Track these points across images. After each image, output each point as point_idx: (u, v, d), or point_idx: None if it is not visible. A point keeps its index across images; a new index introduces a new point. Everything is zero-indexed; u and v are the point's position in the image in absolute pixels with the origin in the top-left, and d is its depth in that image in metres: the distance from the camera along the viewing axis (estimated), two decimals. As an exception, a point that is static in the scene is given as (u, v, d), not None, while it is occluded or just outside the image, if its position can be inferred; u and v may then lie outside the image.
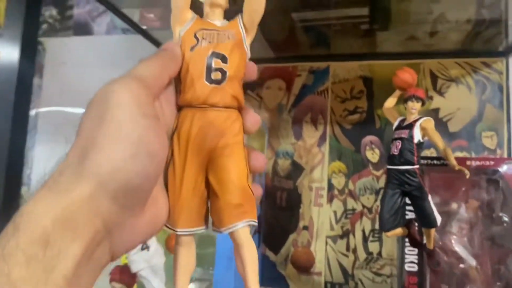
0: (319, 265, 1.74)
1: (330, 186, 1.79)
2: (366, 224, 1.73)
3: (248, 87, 1.93)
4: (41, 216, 0.27)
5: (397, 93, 1.20)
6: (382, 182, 1.73)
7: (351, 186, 1.77)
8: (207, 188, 0.46)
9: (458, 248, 1.37)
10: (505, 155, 1.55)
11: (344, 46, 1.77)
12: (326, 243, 1.76)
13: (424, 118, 1.06)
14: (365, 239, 1.72)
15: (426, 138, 1.05)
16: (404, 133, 1.03)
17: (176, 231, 0.44)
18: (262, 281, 1.75)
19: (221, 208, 0.44)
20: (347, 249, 1.75)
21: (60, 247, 0.27)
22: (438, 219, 1.05)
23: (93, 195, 0.30)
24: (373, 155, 1.75)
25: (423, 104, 1.08)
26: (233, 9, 0.49)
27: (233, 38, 0.45)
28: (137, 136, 0.32)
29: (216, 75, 0.43)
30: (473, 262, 1.40)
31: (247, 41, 0.47)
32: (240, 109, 0.46)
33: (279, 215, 1.76)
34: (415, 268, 1.24)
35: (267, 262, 1.72)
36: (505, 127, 1.61)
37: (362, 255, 1.72)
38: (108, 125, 0.32)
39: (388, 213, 1.03)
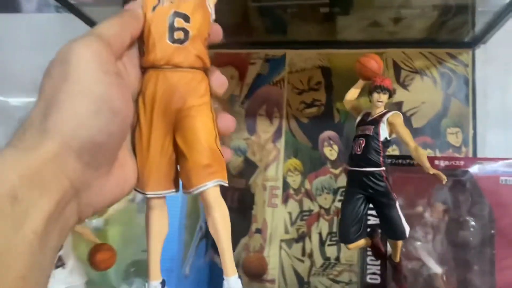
0: (273, 272, 1.59)
1: (285, 185, 1.65)
2: (323, 226, 1.59)
3: (197, 75, 1.74)
4: (7, 172, 0.28)
5: (360, 83, 1.06)
6: (340, 181, 1.60)
7: (307, 185, 1.63)
8: (175, 150, 0.46)
9: (422, 255, 1.25)
10: (470, 153, 1.46)
11: (302, 32, 1.62)
12: (280, 248, 1.63)
13: (392, 112, 0.93)
14: (322, 243, 1.59)
15: (393, 135, 0.92)
16: (368, 130, 0.89)
17: (146, 194, 0.45)
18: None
19: (190, 168, 0.44)
20: (303, 254, 1.61)
21: (28, 203, 0.28)
22: (407, 230, 0.92)
23: (58, 153, 0.31)
24: (331, 152, 1.61)
25: (390, 96, 0.94)
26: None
27: None
28: (99, 92, 0.33)
29: (178, 35, 0.44)
30: (438, 270, 1.29)
31: (211, 1, 0.47)
32: (205, 70, 0.47)
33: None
34: (377, 280, 1.11)
35: (215, 269, 1.56)
36: (470, 123, 1.52)
37: (318, 260, 1.58)
38: (70, 83, 0.32)
39: (350, 223, 0.89)
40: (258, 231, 1.55)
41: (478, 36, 1.53)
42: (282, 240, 1.63)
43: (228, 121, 0.46)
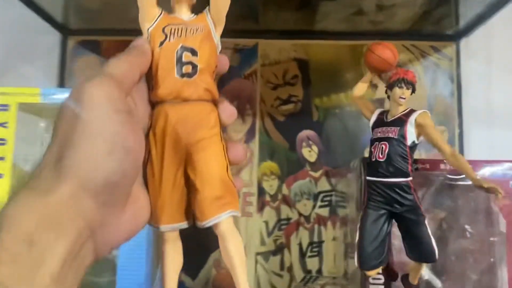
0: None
1: (261, 191, 1.48)
2: (303, 236, 1.44)
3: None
4: (23, 216, 0.29)
5: (369, 76, 0.92)
6: (321, 185, 1.46)
7: (285, 190, 1.47)
8: (186, 183, 0.47)
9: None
10: (458, 153, 1.34)
11: (276, 20, 1.45)
12: (256, 262, 1.46)
13: (419, 111, 0.79)
14: (302, 254, 1.44)
15: (421, 138, 0.78)
16: (392, 132, 0.75)
17: (160, 228, 0.46)
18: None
19: (202, 201, 0.46)
20: (281, 267, 1.45)
21: (45, 246, 0.28)
22: (436, 250, 0.78)
23: (74, 195, 0.31)
24: (310, 153, 1.46)
25: (413, 91, 0.80)
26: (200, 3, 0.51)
27: (202, 31, 0.47)
28: (112, 132, 0.33)
29: (186, 69, 0.45)
30: (438, 284, 1.19)
31: (216, 34, 0.48)
32: (214, 102, 0.48)
33: (197, 230, 1.39)
34: (381, 299, 0.96)
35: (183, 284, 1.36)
36: (456, 121, 1.43)
37: (299, 274, 1.43)
38: (83, 124, 0.33)
39: (371, 246, 0.74)
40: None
41: (461, 29, 1.45)
42: (258, 253, 1.46)
43: (238, 151, 0.47)
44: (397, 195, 0.72)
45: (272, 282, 1.44)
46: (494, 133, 1.47)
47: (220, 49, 0.50)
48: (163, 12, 0.49)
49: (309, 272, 1.43)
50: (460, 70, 1.47)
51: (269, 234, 1.46)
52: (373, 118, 0.81)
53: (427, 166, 1.01)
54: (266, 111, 1.49)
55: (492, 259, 1.18)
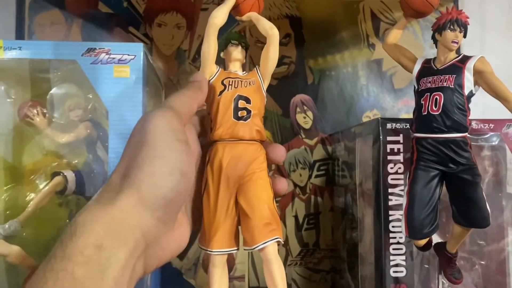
0: (241, 267, 1.31)
1: (253, 162, 1.39)
2: (299, 208, 1.35)
3: (132, 24, 1.34)
4: (93, 224, 0.33)
5: (403, 22, 0.81)
6: (317, 154, 1.36)
7: (278, 160, 1.37)
8: (237, 211, 0.55)
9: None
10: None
11: (266, -27, 1.31)
12: (249, 237, 1.36)
13: (477, 56, 0.69)
14: (298, 227, 1.35)
15: (477, 87, 0.69)
16: (447, 81, 0.65)
17: (212, 252, 0.54)
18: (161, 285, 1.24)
19: (253, 227, 0.53)
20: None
21: (110, 252, 0.32)
22: (490, 213, 0.70)
23: (135, 207, 0.35)
24: (305, 119, 1.36)
25: (465, 35, 0.70)
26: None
27: (254, 84, 0.61)
28: (172, 157, 0.39)
29: (242, 113, 0.57)
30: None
31: (264, 87, 0.63)
32: (262, 142, 0.59)
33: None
34: (403, 273, 0.90)
35: (170, 270, 1.25)
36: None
37: (295, 248, 1.34)
38: (147, 149, 0.39)
39: (423, 212, 0.65)
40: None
41: (460, -14, 1.37)
42: (251, 228, 1.35)
43: (282, 183, 0.56)
44: (453, 153, 0.63)
45: (267, 258, 1.34)
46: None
47: (266, 100, 0.63)
48: (220, 68, 0.61)
49: (305, 245, 1.34)
50: (459, 29, 1.40)
51: (263, 207, 1.35)
52: (417, 67, 0.71)
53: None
54: (256, 73, 1.37)
55: (502, 223, 1.15)
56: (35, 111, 1.07)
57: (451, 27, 0.67)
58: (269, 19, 1.36)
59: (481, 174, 0.67)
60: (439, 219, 0.72)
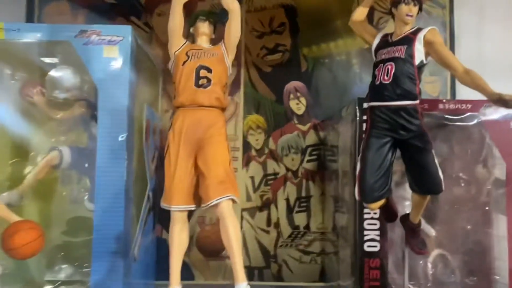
0: (233, 246, 1.36)
1: (246, 146, 1.42)
2: (290, 191, 1.39)
3: (134, 14, 1.42)
4: None
5: (368, 1, 0.84)
6: (309, 139, 1.40)
7: (271, 145, 1.40)
8: (196, 171, 0.79)
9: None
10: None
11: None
12: (242, 218, 1.40)
13: (427, 28, 0.72)
14: (289, 210, 1.38)
15: (429, 58, 0.72)
16: (398, 51, 0.69)
17: (171, 208, 0.78)
18: (158, 273, 1.30)
19: (208, 185, 0.77)
20: (268, 223, 1.40)
21: None
22: (442, 180, 0.72)
23: None
24: (298, 105, 1.39)
25: (420, 8, 0.73)
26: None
27: (216, 55, 0.85)
28: None
29: (202, 81, 0.81)
30: (432, 232, 1.15)
31: (228, 59, 0.87)
32: (223, 109, 0.84)
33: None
34: (376, 247, 0.93)
35: (164, 248, 1.29)
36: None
37: (286, 230, 1.38)
38: None
39: (374, 176, 0.68)
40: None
41: (455, -25, 1.38)
42: (244, 209, 1.39)
43: None
44: (403, 120, 0.66)
45: (258, 238, 1.38)
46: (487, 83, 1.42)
47: (230, 71, 0.84)
48: (187, 41, 0.85)
49: (296, 228, 1.38)
50: (453, 18, 1.41)
51: (255, 189, 1.39)
52: (376, 41, 0.74)
53: (426, 106, 0.96)
54: (251, 61, 1.41)
55: (487, 208, 1.15)
56: (34, 91, 1.15)
57: (405, 1, 0.71)
58: (265, 8, 1.42)
59: (431, 141, 0.70)
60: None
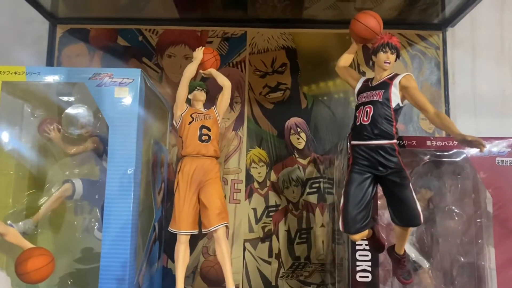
0: (236, 276, 1.40)
1: (249, 178, 1.48)
2: (291, 222, 1.44)
3: (146, 55, 1.52)
4: None
5: (354, 47, 0.92)
6: (309, 172, 1.46)
7: (273, 177, 1.47)
8: (199, 204, 1.20)
9: (407, 249, 1.13)
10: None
11: (264, 9, 1.46)
12: (244, 249, 1.46)
13: (403, 74, 0.80)
14: (290, 241, 1.43)
15: (405, 101, 0.78)
16: (376, 95, 0.75)
17: (180, 232, 1.18)
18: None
19: (209, 215, 1.19)
20: (270, 254, 1.45)
21: None
22: (421, 214, 0.77)
23: None
24: (298, 140, 1.46)
25: (398, 56, 0.80)
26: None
27: (212, 118, 1.28)
28: None
29: (204, 138, 1.23)
30: (425, 264, 1.18)
31: (219, 120, 1.30)
32: (217, 158, 1.27)
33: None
34: (368, 278, 0.98)
35: (169, 276, 1.34)
36: (443, 108, 1.44)
37: (287, 261, 1.42)
38: None
39: (356, 209, 0.74)
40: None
41: (447, 17, 1.46)
42: (246, 240, 1.45)
43: None
44: (382, 158, 0.73)
45: (260, 269, 1.42)
46: (480, 120, 1.48)
47: (221, 130, 1.22)
48: (188, 106, 1.22)
49: (297, 259, 1.42)
50: (446, 58, 1.48)
51: (258, 221, 1.45)
52: (358, 85, 0.81)
53: (414, 143, 1.01)
54: (254, 98, 1.49)
55: (479, 241, 1.18)
56: (51, 127, 1.24)
57: (383, 49, 0.78)
58: (267, 50, 1.51)
59: (408, 176, 0.76)
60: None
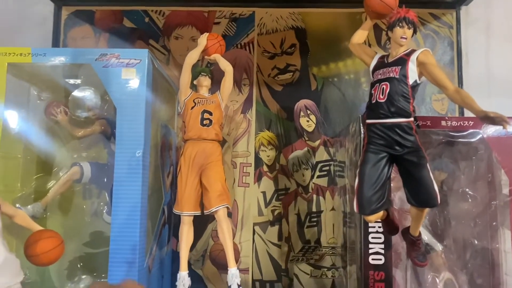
0: (245, 259, 1.40)
1: (258, 162, 1.48)
2: (301, 206, 1.42)
3: (152, 37, 1.50)
4: None
5: (368, 23, 0.90)
6: (319, 155, 1.44)
7: (282, 160, 1.45)
8: (201, 187, 1.22)
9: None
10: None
11: (273, -12, 1.43)
12: (254, 232, 1.45)
13: (421, 50, 0.77)
14: (300, 224, 1.42)
15: (423, 78, 0.76)
16: (393, 72, 0.73)
17: (183, 213, 1.22)
18: (173, 285, 1.34)
19: (210, 197, 1.22)
20: (279, 238, 1.44)
21: None
22: (438, 194, 0.75)
23: None
24: (308, 122, 1.44)
25: (415, 31, 0.78)
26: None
27: (215, 103, 1.30)
28: None
29: (206, 122, 1.25)
30: (438, 247, 1.16)
31: (223, 105, 1.32)
32: (219, 141, 1.29)
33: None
34: (381, 260, 0.95)
35: (179, 260, 1.33)
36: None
37: (297, 244, 1.41)
38: None
39: (371, 190, 0.72)
40: (228, 214, 1.36)
41: (461, -5, 1.42)
42: (255, 224, 1.44)
43: None
44: (398, 136, 0.71)
45: (269, 252, 1.41)
46: (493, 101, 1.44)
47: (224, 114, 1.23)
48: (192, 91, 1.24)
49: (307, 242, 1.41)
50: (460, 37, 1.44)
51: (267, 204, 1.43)
52: (373, 62, 0.79)
53: (428, 123, 0.99)
54: (263, 80, 1.47)
55: (494, 223, 1.16)
56: (58, 110, 1.23)
57: (400, 24, 0.75)
58: (276, 30, 1.48)
59: (426, 156, 0.73)
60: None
